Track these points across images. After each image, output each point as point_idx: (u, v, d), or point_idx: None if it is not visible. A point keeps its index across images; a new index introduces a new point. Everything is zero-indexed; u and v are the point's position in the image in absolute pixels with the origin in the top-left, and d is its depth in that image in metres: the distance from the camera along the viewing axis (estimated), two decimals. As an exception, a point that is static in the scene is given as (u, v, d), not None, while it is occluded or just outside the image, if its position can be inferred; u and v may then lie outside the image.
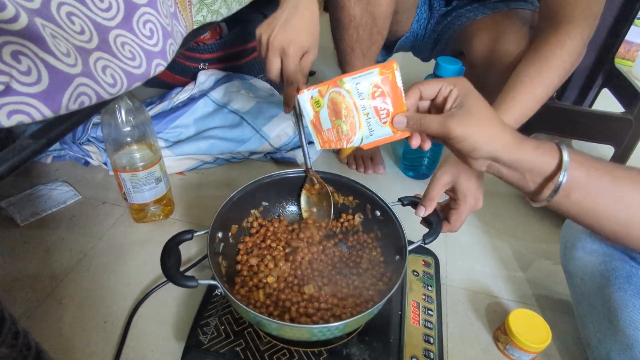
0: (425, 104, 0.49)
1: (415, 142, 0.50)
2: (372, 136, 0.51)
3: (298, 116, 0.70)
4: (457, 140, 0.45)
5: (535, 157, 0.45)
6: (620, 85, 1.10)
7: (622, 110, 0.99)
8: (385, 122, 0.49)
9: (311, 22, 0.67)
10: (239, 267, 0.67)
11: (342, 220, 0.75)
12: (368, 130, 0.50)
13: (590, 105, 1.22)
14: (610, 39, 1.09)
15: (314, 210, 0.76)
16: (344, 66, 1.01)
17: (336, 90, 0.50)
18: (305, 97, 0.52)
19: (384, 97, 0.48)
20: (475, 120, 0.44)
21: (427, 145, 0.50)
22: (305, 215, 0.76)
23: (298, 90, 0.64)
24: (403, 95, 0.48)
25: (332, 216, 0.73)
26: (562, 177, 0.44)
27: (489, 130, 0.44)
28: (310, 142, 0.58)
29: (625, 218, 0.45)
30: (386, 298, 0.55)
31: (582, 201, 0.45)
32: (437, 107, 0.49)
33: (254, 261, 0.67)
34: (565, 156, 0.44)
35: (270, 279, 0.65)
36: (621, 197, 0.44)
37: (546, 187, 0.46)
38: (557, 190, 0.44)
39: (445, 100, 0.47)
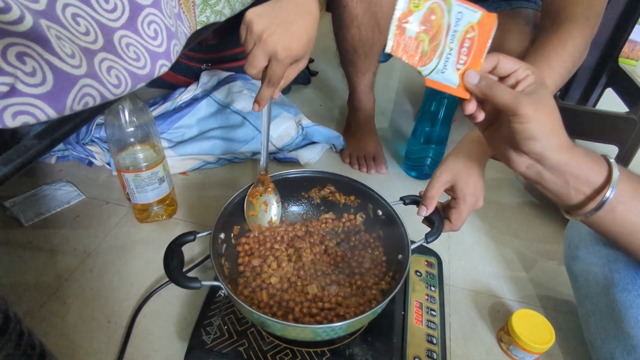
0: (497, 77, 0.47)
1: (471, 107, 0.46)
2: (442, 75, 0.47)
3: (268, 117, 0.66)
4: (522, 119, 0.42)
5: (584, 163, 0.44)
6: (624, 85, 1.10)
7: (626, 109, 0.98)
8: (458, 69, 0.46)
9: (311, 31, 0.62)
10: (241, 268, 0.67)
11: (344, 220, 0.75)
12: (443, 65, 0.46)
13: (594, 105, 1.21)
14: (614, 38, 1.09)
15: (257, 214, 0.72)
16: (346, 66, 1.01)
17: (440, 3, 0.44)
18: None
19: (472, 42, 0.44)
20: (545, 109, 0.42)
21: (481, 117, 0.47)
22: (248, 220, 0.71)
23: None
24: (485, 54, 0.45)
25: (275, 217, 0.72)
26: (610, 193, 0.43)
27: (553, 123, 0.43)
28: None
29: None
30: (389, 297, 0.55)
31: (622, 217, 0.44)
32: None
33: (256, 262, 0.67)
34: (615, 170, 0.43)
35: (273, 280, 0.65)
36: None
37: (592, 200, 0.44)
38: (603, 205, 0.43)
39: (517, 82, 0.45)
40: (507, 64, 0.45)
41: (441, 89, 0.47)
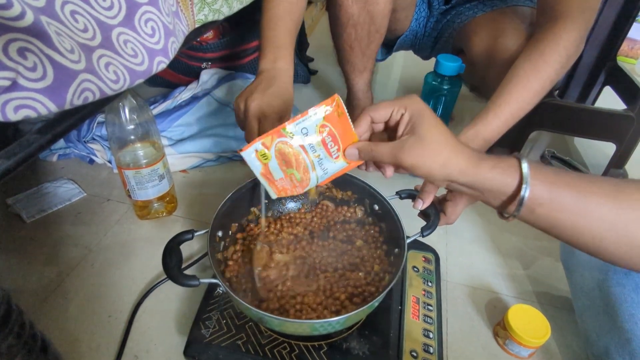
0: (380, 126, 0.49)
1: (371, 169, 0.51)
2: (327, 173, 0.50)
3: (262, 193, 0.66)
4: (410, 170, 0.45)
5: (492, 177, 0.44)
6: (622, 83, 1.10)
7: (624, 107, 0.99)
8: (337, 157, 0.49)
9: (286, 92, 0.70)
10: (237, 264, 0.68)
11: (342, 211, 0.75)
12: (322, 170, 0.50)
13: (593, 103, 1.21)
14: (612, 36, 1.09)
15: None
16: (343, 64, 1.02)
17: (282, 140, 0.47)
18: (250, 152, 0.48)
19: (333, 135, 0.47)
20: (426, 148, 0.44)
21: (389, 173, 0.50)
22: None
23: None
24: (352, 125, 0.47)
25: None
26: (524, 192, 0.43)
27: (441, 157, 0.44)
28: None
29: (597, 232, 0.43)
30: (386, 290, 0.56)
31: (547, 217, 0.44)
32: (391, 129, 0.49)
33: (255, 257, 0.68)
34: (525, 171, 0.43)
35: (271, 273, 0.66)
36: (587, 211, 0.43)
37: (510, 204, 0.45)
38: (521, 205, 0.44)
39: (397, 124, 0.47)
40: (379, 114, 0.47)
41: (340, 175, 0.51)
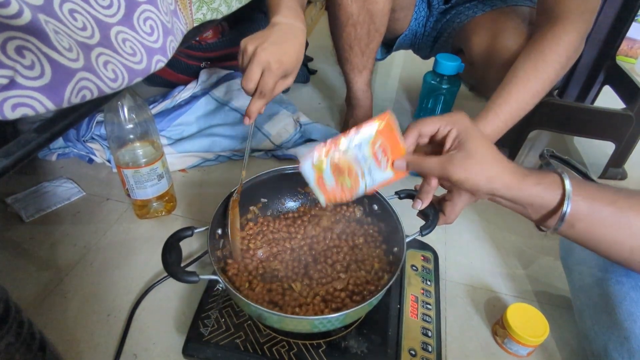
0: (425, 139, 0.51)
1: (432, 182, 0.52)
2: (375, 182, 0.53)
3: (250, 132, 0.70)
4: (457, 183, 0.47)
5: (536, 193, 0.46)
6: (622, 82, 1.10)
7: (623, 107, 0.99)
8: (385, 168, 0.51)
9: (299, 51, 0.67)
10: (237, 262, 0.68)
11: (341, 213, 0.75)
12: (371, 179, 0.53)
13: (592, 103, 1.22)
14: (611, 36, 1.09)
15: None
16: (342, 64, 1.02)
17: (337, 152, 0.51)
18: (307, 165, 0.53)
19: (383, 148, 0.50)
20: (474, 163, 0.45)
21: (434, 184, 0.52)
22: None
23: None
24: (401, 138, 0.49)
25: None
26: (566, 208, 0.45)
27: (489, 172, 0.46)
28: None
29: (630, 245, 0.45)
30: (385, 288, 0.56)
31: (586, 231, 0.46)
32: (436, 143, 0.50)
33: (254, 254, 0.68)
34: (568, 189, 0.45)
35: (270, 269, 0.66)
36: (625, 225, 0.45)
37: (551, 218, 0.47)
38: (563, 220, 0.46)
39: (444, 139, 0.48)
40: (427, 128, 0.49)
41: (387, 184, 0.53)
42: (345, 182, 0.53)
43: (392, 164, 0.51)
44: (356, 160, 0.51)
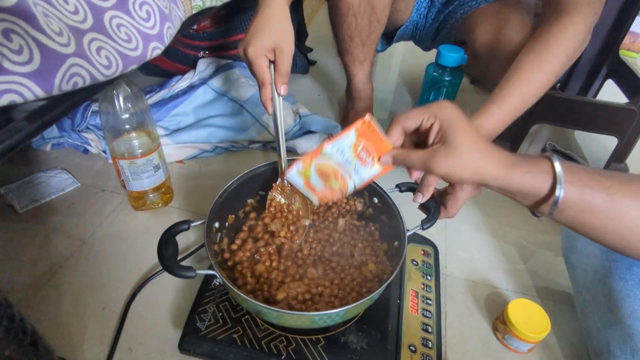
0: (411, 129, 0.50)
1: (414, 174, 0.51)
2: (363, 179, 0.54)
3: (277, 119, 0.66)
4: (442, 177, 0.46)
5: (525, 182, 0.45)
6: (624, 76, 1.09)
7: (626, 101, 0.97)
8: (372, 165, 0.52)
9: (273, 19, 0.64)
10: (236, 256, 0.67)
11: (341, 206, 0.74)
12: (359, 177, 0.54)
13: (594, 96, 1.20)
14: (615, 29, 1.08)
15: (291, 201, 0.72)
16: (343, 55, 1.00)
17: (320, 160, 0.53)
18: (293, 173, 0.56)
19: (367, 149, 0.50)
20: (457, 157, 0.44)
21: (415, 175, 0.52)
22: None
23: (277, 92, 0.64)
24: (384, 136, 0.49)
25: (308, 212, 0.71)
26: (559, 193, 0.44)
27: (474, 165, 0.45)
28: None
29: (622, 231, 0.45)
30: (386, 283, 0.55)
31: (575, 217, 0.46)
32: (421, 135, 0.49)
33: (253, 248, 0.67)
34: (559, 173, 0.44)
35: (268, 264, 0.65)
36: (616, 212, 0.44)
37: (543, 204, 0.46)
38: (556, 205, 0.45)
39: (428, 131, 0.48)
40: (410, 123, 0.48)
41: (376, 178, 0.54)
42: (332, 184, 0.55)
43: (379, 159, 0.51)
44: (340, 164, 0.53)
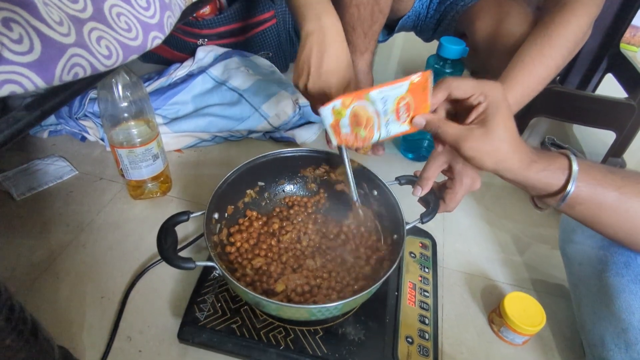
0: (457, 98, 0.49)
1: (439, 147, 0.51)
2: (389, 134, 0.52)
3: (345, 156, 0.66)
4: (466, 158, 0.46)
5: (539, 179, 0.46)
6: (624, 71, 1.09)
7: (625, 96, 0.97)
8: (404, 122, 0.50)
9: (344, 58, 0.63)
10: (235, 248, 0.67)
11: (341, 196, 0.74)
12: (386, 131, 0.52)
13: (594, 91, 1.20)
14: (615, 23, 1.07)
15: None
16: (345, 45, 0.99)
17: (360, 103, 0.49)
18: (328, 109, 0.51)
19: (408, 105, 0.49)
20: (489, 144, 0.45)
21: (440, 149, 0.52)
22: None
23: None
24: (430, 96, 0.48)
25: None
26: (570, 188, 0.45)
27: (500, 155, 0.45)
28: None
29: (629, 227, 0.46)
30: (384, 277, 0.55)
31: (586, 214, 0.47)
32: (461, 107, 0.49)
33: (251, 241, 0.67)
34: (575, 170, 0.45)
35: (264, 258, 0.65)
36: (626, 210, 0.45)
37: (551, 198, 0.47)
38: (564, 201, 0.46)
39: (471, 108, 0.47)
40: (459, 92, 0.47)
41: (398, 136, 0.53)
42: (360, 132, 0.52)
43: (412, 119, 0.50)
44: (377, 113, 0.50)
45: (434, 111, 0.50)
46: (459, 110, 0.50)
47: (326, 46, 0.62)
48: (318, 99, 0.63)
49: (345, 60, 0.64)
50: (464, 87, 0.47)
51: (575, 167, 0.45)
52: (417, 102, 0.49)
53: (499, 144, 0.45)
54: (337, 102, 0.50)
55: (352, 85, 0.65)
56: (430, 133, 0.50)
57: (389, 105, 0.49)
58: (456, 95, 0.47)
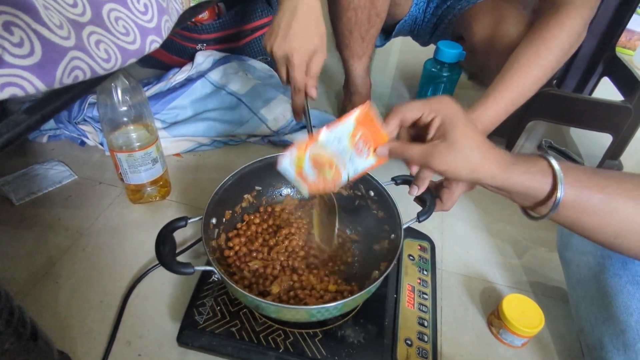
0: (408, 123, 0.49)
1: (413, 169, 0.51)
2: (358, 170, 0.52)
3: (308, 122, 0.67)
4: (440, 173, 0.46)
5: (522, 182, 0.45)
6: (620, 74, 1.09)
7: (622, 99, 0.98)
8: (367, 156, 0.51)
9: (313, 24, 0.64)
10: (233, 251, 0.67)
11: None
12: (353, 168, 0.52)
13: (590, 94, 1.21)
14: (611, 27, 1.08)
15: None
16: (342, 49, 1.00)
17: (315, 148, 0.51)
18: (285, 162, 0.53)
19: (364, 138, 0.49)
20: (456, 155, 0.44)
21: (414, 170, 0.51)
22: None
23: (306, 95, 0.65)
24: (381, 126, 0.48)
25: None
26: (560, 195, 0.44)
27: (472, 163, 0.44)
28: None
29: (614, 230, 0.45)
30: (383, 276, 0.55)
31: (571, 217, 0.46)
32: (419, 128, 0.49)
33: (250, 245, 0.67)
34: (560, 175, 0.44)
35: (262, 260, 0.65)
36: (612, 212, 0.44)
37: (541, 205, 0.46)
38: (556, 207, 0.45)
39: (428, 126, 0.47)
40: (409, 115, 0.47)
41: (369, 171, 0.52)
42: (326, 175, 0.53)
43: (375, 150, 0.50)
44: (336, 153, 0.51)
45: (398, 139, 0.50)
46: (419, 133, 0.50)
47: (297, 12, 0.63)
48: (282, 64, 0.64)
49: (314, 27, 0.64)
50: (412, 108, 0.47)
51: (557, 168, 0.44)
52: (372, 133, 0.49)
53: (466, 154, 0.44)
54: (292, 154, 0.52)
55: (320, 54, 0.64)
56: (398, 159, 0.50)
57: (343, 143, 0.50)
58: (408, 117, 0.48)
